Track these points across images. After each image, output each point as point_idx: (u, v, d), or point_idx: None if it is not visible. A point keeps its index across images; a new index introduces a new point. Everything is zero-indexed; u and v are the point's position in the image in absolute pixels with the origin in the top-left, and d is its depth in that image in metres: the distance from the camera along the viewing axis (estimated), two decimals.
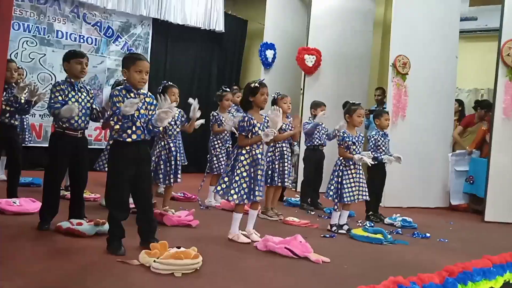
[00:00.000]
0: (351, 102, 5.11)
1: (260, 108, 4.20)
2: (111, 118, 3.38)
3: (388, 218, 5.71)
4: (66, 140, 3.95)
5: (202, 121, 5.38)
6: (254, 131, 4.08)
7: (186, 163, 6.67)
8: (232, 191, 4.04)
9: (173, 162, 4.86)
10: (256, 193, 4.09)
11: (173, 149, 4.87)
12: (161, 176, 4.84)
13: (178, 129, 4.97)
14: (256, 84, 4.14)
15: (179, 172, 4.94)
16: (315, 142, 6.23)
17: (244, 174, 4.06)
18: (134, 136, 3.44)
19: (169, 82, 4.99)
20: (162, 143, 4.87)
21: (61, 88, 3.92)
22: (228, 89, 5.96)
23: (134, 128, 3.43)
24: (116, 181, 3.46)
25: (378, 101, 8.28)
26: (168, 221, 4.54)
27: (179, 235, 4.23)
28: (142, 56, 3.58)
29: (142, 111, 3.47)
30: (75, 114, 3.84)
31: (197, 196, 6.09)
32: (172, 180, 4.88)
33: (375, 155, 5.54)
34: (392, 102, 7.16)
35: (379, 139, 5.69)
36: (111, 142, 3.61)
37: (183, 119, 5.01)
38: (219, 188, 4.11)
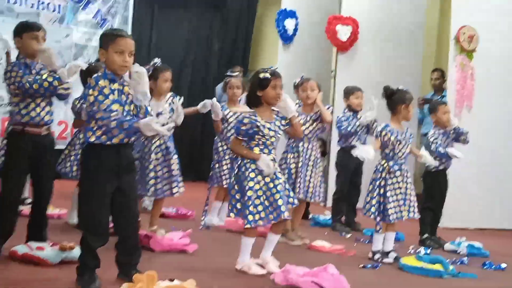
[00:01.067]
0: (399, 88, 5.06)
1: (270, 105, 4.24)
2: (102, 117, 3.33)
3: (449, 243, 5.71)
4: (26, 140, 4.02)
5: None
6: (261, 134, 4.11)
7: None
8: (247, 211, 4.06)
9: (172, 167, 4.93)
10: (282, 208, 4.07)
11: (171, 149, 4.93)
12: (150, 185, 4.88)
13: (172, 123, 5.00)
14: (266, 74, 4.16)
15: (180, 180, 4.99)
16: (352, 142, 6.24)
17: (257, 187, 4.08)
18: (115, 140, 3.45)
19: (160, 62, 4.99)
20: (157, 142, 4.91)
21: (16, 74, 3.96)
22: (233, 73, 5.98)
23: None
24: (92, 197, 3.47)
25: (436, 87, 8.27)
26: (157, 246, 4.56)
27: (172, 263, 4.25)
28: (125, 33, 3.61)
29: (126, 108, 3.50)
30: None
31: (194, 213, 6.11)
32: (174, 191, 4.94)
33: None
34: (454, 89, 7.15)
35: (438, 138, 5.67)
36: (81, 144, 3.62)
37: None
38: (231, 206, 4.14)
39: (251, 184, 4.07)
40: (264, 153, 4.12)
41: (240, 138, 4.15)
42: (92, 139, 3.43)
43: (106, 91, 3.39)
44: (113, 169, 3.48)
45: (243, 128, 4.12)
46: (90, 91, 3.40)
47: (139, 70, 3.49)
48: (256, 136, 4.12)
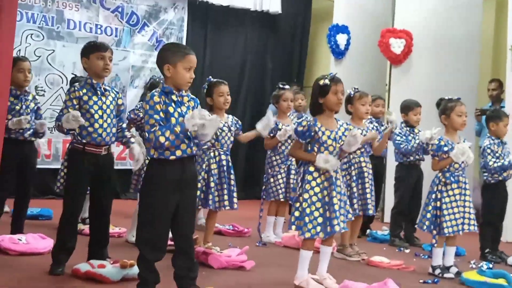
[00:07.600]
0: (447, 98, 5.06)
1: (333, 112, 4.22)
2: (158, 132, 3.37)
3: None
4: (86, 159, 4.12)
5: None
6: (316, 138, 4.09)
7: None
8: (307, 222, 4.04)
9: (225, 180, 4.94)
10: (334, 221, 4.06)
11: (224, 163, 4.96)
12: (210, 198, 4.87)
13: (232, 138, 5.05)
14: (326, 81, 4.17)
15: (235, 195, 5.01)
16: (412, 157, 6.18)
17: (314, 199, 4.07)
18: (178, 152, 3.49)
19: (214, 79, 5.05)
20: (211, 154, 4.96)
21: (79, 95, 4.09)
22: (286, 86, 6.00)
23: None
24: (154, 213, 3.50)
25: (494, 98, 8.11)
26: (215, 262, 4.60)
27: (230, 280, 4.28)
28: (191, 49, 3.66)
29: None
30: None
31: (250, 230, 6.14)
32: (226, 204, 4.94)
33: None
34: None
35: (494, 149, 5.58)
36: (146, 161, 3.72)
37: (237, 125, 5.07)
38: (293, 219, 4.12)
39: (307, 195, 4.06)
40: None
41: (300, 141, 4.15)
42: (156, 155, 3.49)
43: (158, 107, 3.44)
44: (176, 184, 3.51)
45: (300, 129, 4.12)
46: (145, 105, 3.49)
47: (213, 118, 3.43)
48: (315, 145, 4.12)
